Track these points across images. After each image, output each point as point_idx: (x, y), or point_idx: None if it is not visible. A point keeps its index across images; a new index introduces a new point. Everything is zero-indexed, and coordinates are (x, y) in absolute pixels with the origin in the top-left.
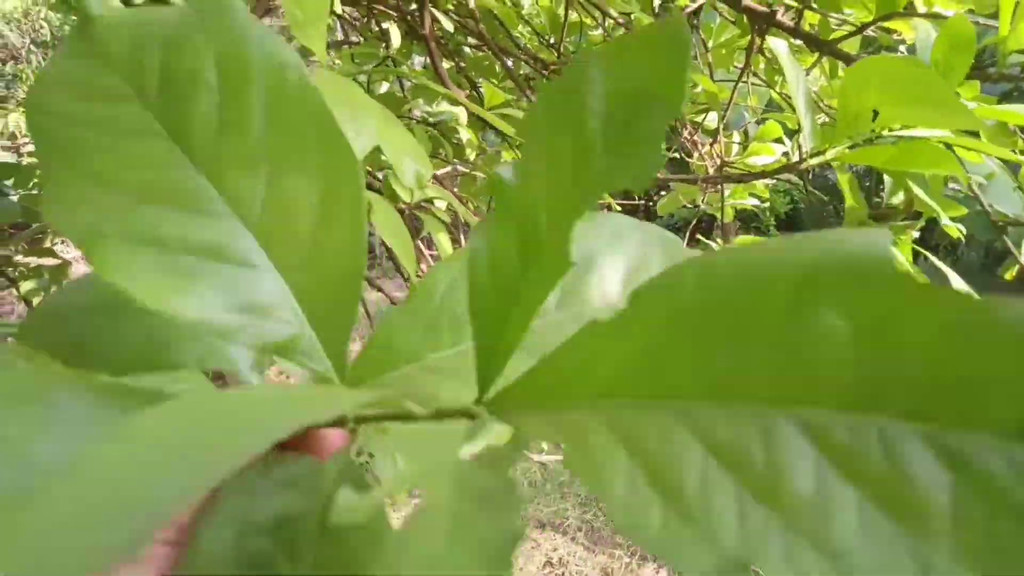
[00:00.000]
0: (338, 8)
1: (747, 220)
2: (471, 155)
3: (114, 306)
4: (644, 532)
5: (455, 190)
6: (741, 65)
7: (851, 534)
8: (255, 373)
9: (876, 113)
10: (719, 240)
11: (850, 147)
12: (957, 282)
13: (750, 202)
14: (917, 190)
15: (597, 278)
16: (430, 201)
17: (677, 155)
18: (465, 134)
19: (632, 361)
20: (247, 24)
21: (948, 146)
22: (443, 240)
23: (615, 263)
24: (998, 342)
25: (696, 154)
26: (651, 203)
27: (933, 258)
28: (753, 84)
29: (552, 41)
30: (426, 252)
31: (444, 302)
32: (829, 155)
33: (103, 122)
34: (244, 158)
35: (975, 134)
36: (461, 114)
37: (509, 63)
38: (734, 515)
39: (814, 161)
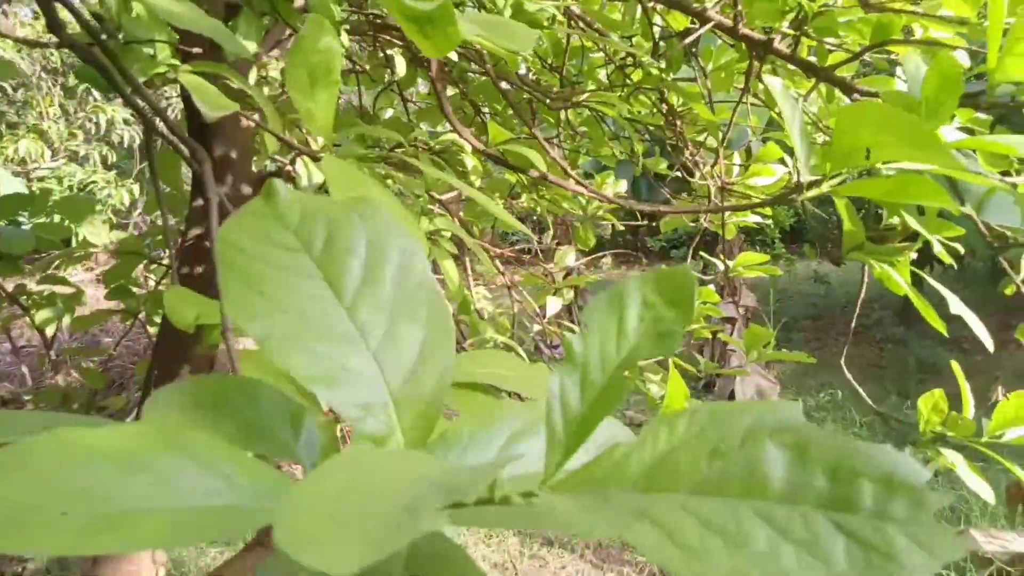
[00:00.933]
0: (344, 40)
1: (752, 233)
2: (476, 181)
3: (209, 405)
4: (673, 564)
5: (460, 214)
6: (740, 86)
7: (793, 570)
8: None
9: (869, 150)
10: (722, 256)
11: (844, 180)
12: (956, 305)
13: (752, 219)
14: (910, 219)
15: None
16: (438, 232)
17: (679, 173)
18: (470, 161)
19: (647, 467)
20: (391, 222)
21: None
22: (448, 268)
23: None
24: (857, 469)
25: (698, 173)
26: (654, 222)
27: (932, 280)
28: (753, 104)
29: (553, 65)
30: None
31: (468, 450)
32: (825, 187)
33: (280, 263)
34: (375, 306)
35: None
36: (465, 143)
37: (506, 87)
38: (725, 556)
39: (811, 194)
